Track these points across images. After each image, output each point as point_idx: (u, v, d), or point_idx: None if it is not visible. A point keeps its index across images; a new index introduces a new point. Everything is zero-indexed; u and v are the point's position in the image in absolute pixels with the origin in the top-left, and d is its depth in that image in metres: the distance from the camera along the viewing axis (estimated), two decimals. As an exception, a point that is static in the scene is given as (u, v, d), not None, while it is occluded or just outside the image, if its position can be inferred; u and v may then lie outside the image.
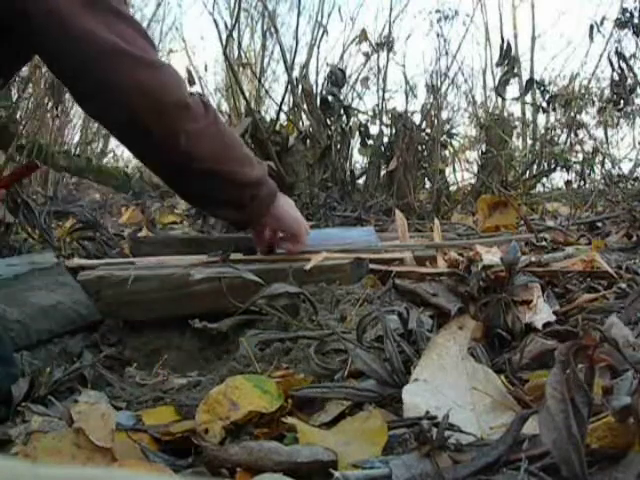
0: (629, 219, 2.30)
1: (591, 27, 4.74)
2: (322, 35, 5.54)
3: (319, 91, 4.61)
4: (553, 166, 4.81)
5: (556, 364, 0.55)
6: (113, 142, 9.07)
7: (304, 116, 4.79)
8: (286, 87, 4.73)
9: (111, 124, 1.19)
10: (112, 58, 1.04)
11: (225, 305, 1.21)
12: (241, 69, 6.05)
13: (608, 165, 4.87)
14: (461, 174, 5.25)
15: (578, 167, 4.80)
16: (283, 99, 4.66)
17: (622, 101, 4.69)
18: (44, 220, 2.09)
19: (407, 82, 5.05)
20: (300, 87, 4.69)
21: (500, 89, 4.53)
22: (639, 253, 1.74)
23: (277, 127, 4.42)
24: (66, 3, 1.00)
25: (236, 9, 4.83)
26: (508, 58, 4.37)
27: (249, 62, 6.67)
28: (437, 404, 0.71)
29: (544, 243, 1.76)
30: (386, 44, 4.99)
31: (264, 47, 7.71)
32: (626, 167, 5.19)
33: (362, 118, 4.83)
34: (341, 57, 6.16)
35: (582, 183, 4.75)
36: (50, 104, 3.81)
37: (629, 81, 4.59)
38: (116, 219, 3.82)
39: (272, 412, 0.75)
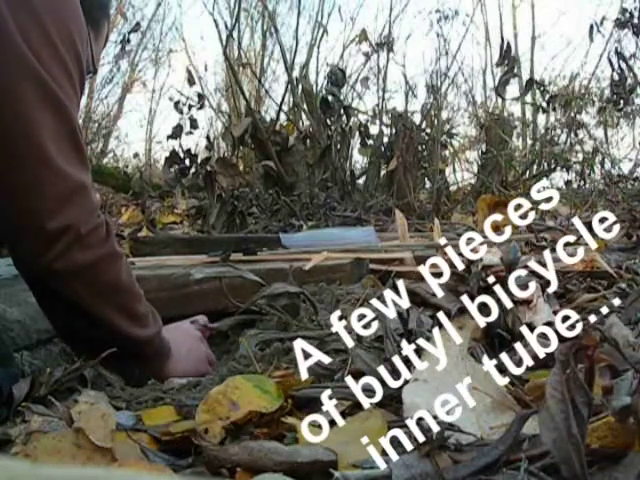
0: (629, 219, 2.30)
1: (591, 27, 4.75)
2: (322, 35, 5.57)
3: (319, 91, 4.62)
4: (553, 166, 4.81)
5: (556, 364, 0.55)
6: (113, 142, 9.09)
7: (304, 116, 4.80)
8: (286, 87, 4.73)
9: None
10: None
11: (225, 305, 1.21)
12: (241, 69, 6.05)
13: (608, 165, 4.88)
14: (461, 174, 5.26)
15: (578, 167, 4.80)
16: (283, 99, 4.66)
17: (622, 101, 4.69)
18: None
19: (407, 82, 5.06)
20: (300, 87, 4.69)
21: (500, 89, 4.53)
22: (639, 253, 1.74)
23: (277, 127, 4.43)
24: None
25: (236, 9, 4.84)
26: (508, 58, 4.38)
27: (249, 62, 6.67)
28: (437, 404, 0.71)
29: (544, 243, 1.76)
30: (386, 44, 5.00)
31: (264, 47, 7.72)
32: (626, 167, 5.21)
33: (362, 118, 4.84)
34: (341, 57, 6.18)
35: (582, 183, 4.76)
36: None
37: (629, 81, 4.59)
38: (116, 219, 3.82)
39: (272, 412, 0.75)
